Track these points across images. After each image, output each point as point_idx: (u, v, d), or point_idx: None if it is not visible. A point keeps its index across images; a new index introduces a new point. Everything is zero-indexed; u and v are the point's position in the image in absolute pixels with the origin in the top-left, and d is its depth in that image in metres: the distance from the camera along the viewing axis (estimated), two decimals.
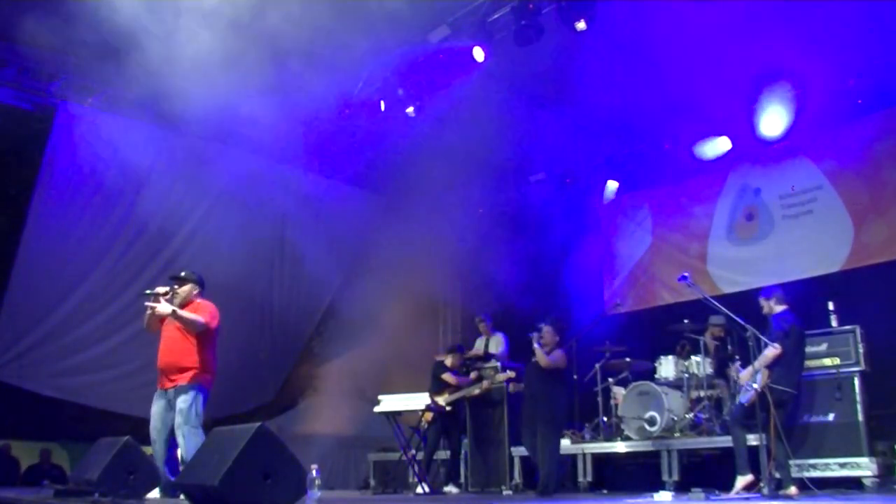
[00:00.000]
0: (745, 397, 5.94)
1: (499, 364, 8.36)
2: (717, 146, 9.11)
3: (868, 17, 7.10)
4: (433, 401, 7.65)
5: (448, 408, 7.72)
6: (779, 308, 6.10)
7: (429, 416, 7.86)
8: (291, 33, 7.31)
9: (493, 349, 8.75)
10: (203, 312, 5.65)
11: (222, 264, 9.28)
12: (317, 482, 4.83)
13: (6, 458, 9.01)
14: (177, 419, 5.45)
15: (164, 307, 5.51)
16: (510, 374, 7.83)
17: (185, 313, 5.56)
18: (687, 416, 7.28)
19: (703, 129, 9.09)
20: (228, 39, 7.22)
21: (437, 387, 7.84)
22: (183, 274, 5.88)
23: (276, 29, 7.33)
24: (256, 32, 7.33)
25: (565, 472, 7.74)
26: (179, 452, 5.51)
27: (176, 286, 5.78)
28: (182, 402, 5.46)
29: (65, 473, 9.01)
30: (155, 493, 5.67)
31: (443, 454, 8.13)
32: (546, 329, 6.97)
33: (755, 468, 5.83)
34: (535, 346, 6.88)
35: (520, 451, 8.04)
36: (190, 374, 5.52)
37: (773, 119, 8.50)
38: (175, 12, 6.90)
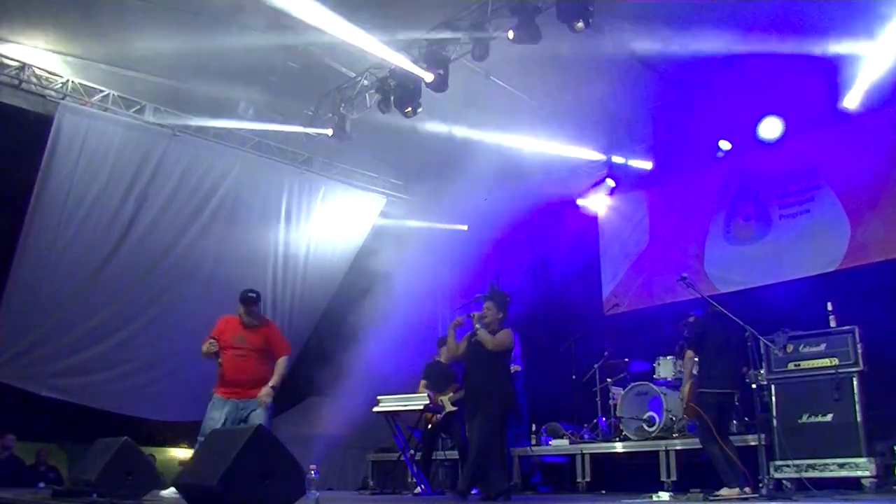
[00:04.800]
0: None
1: None
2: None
3: (866, 18, 7.11)
4: (432, 401, 7.63)
5: (453, 408, 7.65)
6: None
7: (433, 417, 7.82)
8: (288, 32, 7.34)
9: None
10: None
11: (222, 265, 9.31)
12: (315, 482, 4.84)
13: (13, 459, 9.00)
14: None
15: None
16: (516, 367, 7.80)
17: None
18: (685, 416, 7.28)
19: (701, 128, 9.09)
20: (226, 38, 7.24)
21: (440, 387, 7.80)
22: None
23: (274, 29, 7.35)
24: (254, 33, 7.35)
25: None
26: None
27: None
28: None
29: (60, 475, 9.00)
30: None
31: (440, 454, 8.12)
32: (487, 304, 6.14)
33: (751, 469, 5.84)
34: (478, 325, 6.05)
35: (517, 451, 8.05)
36: None
37: (772, 120, 8.52)
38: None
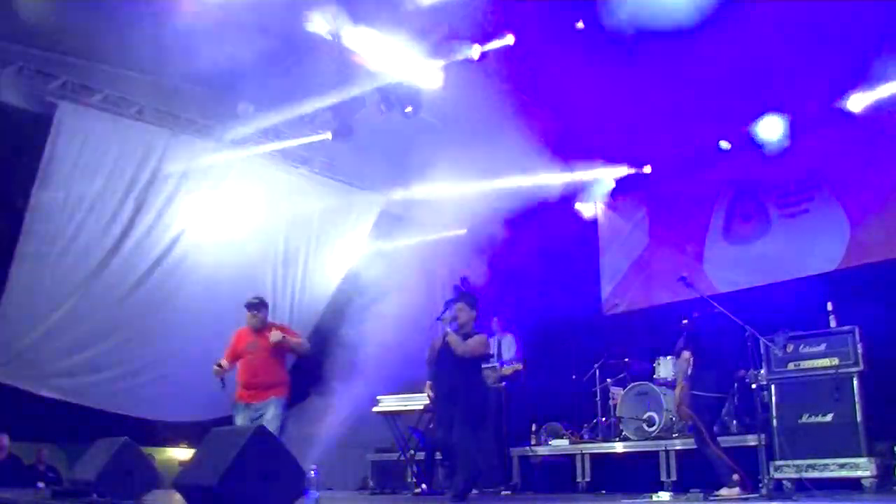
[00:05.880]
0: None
1: (497, 364, 8.34)
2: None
3: (865, 18, 7.11)
4: (432, 401, 7.61)
5: None
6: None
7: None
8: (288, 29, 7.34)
9: (504, 349, 8.69)
10: None
11: (221, 265, 9.30)
12: (315, 482, 4.84)
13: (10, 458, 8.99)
14: None
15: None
16: (517, 365, 7.79)
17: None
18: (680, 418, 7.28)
19: (701, 128, 9.09)
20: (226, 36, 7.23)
21: None
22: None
23: (273, 27, 7.36)
24: (254, 32, 7.34)
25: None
26: None
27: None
28: None
29: (60, 475, 8.99)
30: None
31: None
32: (459, 306, 5.95)
33: (752, 469, 5.84)
34: (449, 329, 5.89)
35: (516, 451, 8.06)
36: None
37: (771, 119, 8.52)
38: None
